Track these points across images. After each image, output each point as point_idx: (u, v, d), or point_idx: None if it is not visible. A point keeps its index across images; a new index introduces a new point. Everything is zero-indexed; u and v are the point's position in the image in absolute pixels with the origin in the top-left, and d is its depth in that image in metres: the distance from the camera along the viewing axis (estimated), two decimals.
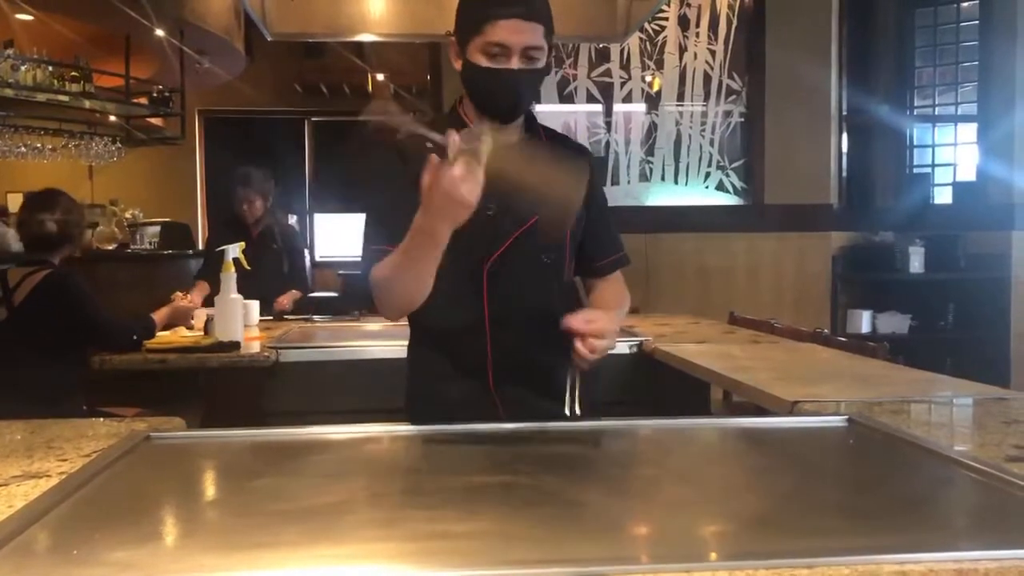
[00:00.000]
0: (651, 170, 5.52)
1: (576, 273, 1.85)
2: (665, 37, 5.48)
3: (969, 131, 5.67)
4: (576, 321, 1.54)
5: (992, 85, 5.46)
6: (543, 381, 1.71)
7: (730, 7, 5.50)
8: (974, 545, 0.96)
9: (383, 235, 1.60)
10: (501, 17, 1.57)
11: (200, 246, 7.21)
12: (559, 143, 1.83)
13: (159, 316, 3.11)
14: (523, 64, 1.60)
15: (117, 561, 0.94)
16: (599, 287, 1.85)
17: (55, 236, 3.00)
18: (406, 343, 1.83)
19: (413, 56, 7.51)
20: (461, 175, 1.33)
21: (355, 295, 7.65)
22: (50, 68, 6.12)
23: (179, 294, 3.36)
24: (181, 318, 3.25)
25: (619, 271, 1.87)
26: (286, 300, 4.20)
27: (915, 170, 5.84)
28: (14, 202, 7.13)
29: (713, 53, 5.51)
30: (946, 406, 1.92)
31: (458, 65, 1.67)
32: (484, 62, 1.61)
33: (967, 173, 5.66)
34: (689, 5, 5.47)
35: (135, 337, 2.92)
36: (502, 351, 1.69)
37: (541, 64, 1.64)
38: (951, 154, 5.78)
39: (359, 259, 1.69)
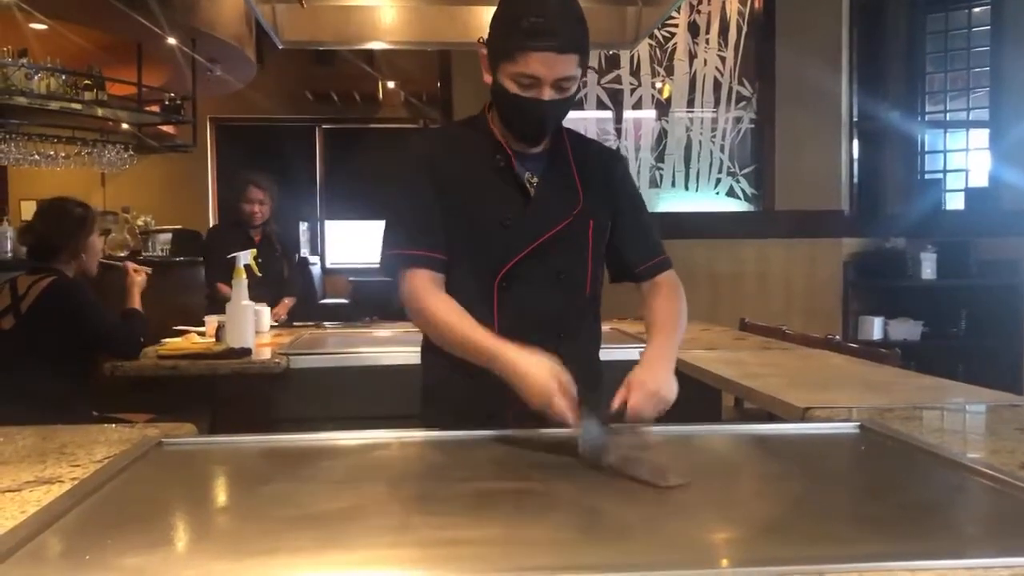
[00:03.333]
0: (661, 176, 5.52)
1: (617, 279, 1.81)
2: (675, 44, 5.48)
3: (981, 137, 5.65)
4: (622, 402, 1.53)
5: (1004, 90, 5.44)
6: None
7: (740, 14, 5.50)
8: (986, 552, 0.95)
9: (403, 238, 1.64)
10: (536, 50, 1.53)
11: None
12: (587, 147, 1.80)
13: (134, 302, 3.10)
14: (554, 95, 1.58)
15: (129, 566, 0.94)
16: (649, 303, 1.76)
17: (33, 240, 3.04)
18: (416, 349, 1.82)
19: (423, 63, 7.53)
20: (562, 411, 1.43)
21: (362, 299, 7.67)
22: (63, 77, 6.16)
23: (130, 264, 3.25)
24: (139, 285, 3.17)
25: (668, 274, 1.79)
26: (282, 311, 4.18)
27: (926, 176, 5.83)
28: (27, 210, 7.18)
29: (723, 59, 5.51)
30: (958, 413, 1.91)
31: (487, 79, 1.65)
32: (515, 89, 1.58)
33: (979, 179, 5.64)
34: (699, 12, 5.48)
35: (141, 339, 2.94)
36: None
37: (572, 91, 1.61)
38: (963, 160, 5.76)
39: (375, 265, 1.71)
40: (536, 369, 1.46)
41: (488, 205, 1.67)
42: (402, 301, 1.67)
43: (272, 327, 3.85)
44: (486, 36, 1.65)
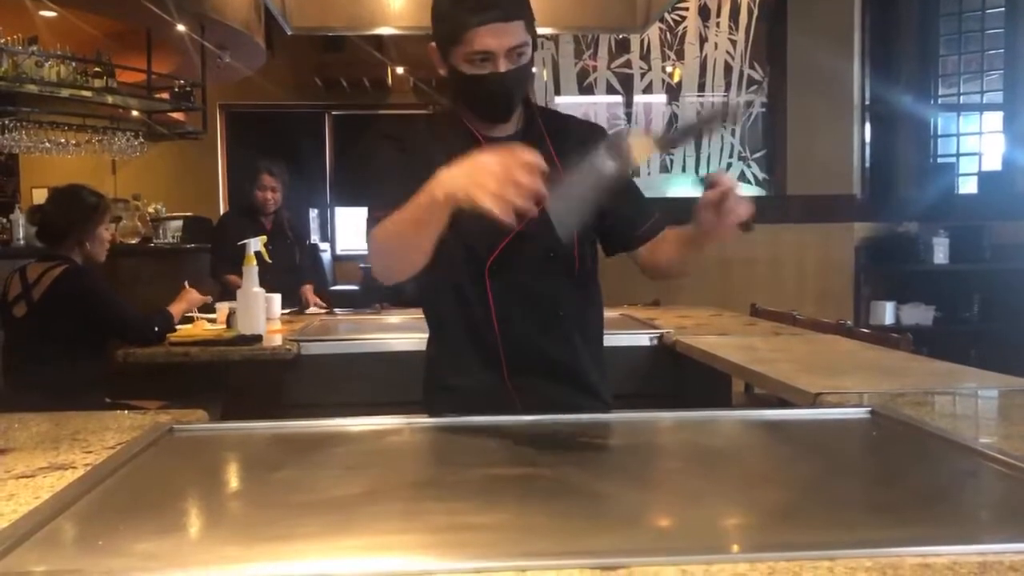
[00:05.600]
0: (672, 161, 5.50)
1: (617, 251, 1.78)
2: (685, 27, 5.45)
3: (995, 120, 5.61)
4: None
5: (1018, 73, 5.39)
6: (557, 372, 1.71)
7: None
8: (998, 538, 0.95)
9: (385, 201, 1.53)
10: (479, 24, 1.50)
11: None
12: (564, 123, 1.77)
13: (176, 309, 3.11)
14: (510, 65, 1.55)
15: (141, 552, 0.95)
16: (662, 236, 1.72)
17: (40, 221, 3.09)
18: (426, 335, 1.83)
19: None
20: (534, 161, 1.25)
21: (373, 286, 7.69)
22: (73, 64, 6.17)
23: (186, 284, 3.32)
24: (196, 305, 3.25)
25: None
26: (311, 295, 4.24)
27: (939, 160, 5.78)
28: (39, 197, 7.20)
29: (734, 43, 5.47)
30: (971, 398, 1.90)
31: (443, 71, 1.62)
32: (470, 70, 1.56)
33: (993, 162, 5.60)
34: None
35: (156, 329, 2.94)
36: (513, 346, 1.68)
37: (527, 58, 1.58)
38: (976, 143, 5.71)
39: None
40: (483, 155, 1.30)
41: None
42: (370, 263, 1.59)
43: (303, 312, 3.94)
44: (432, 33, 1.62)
